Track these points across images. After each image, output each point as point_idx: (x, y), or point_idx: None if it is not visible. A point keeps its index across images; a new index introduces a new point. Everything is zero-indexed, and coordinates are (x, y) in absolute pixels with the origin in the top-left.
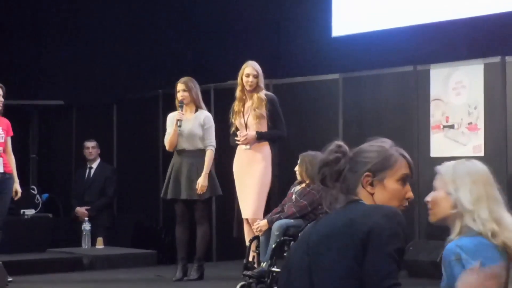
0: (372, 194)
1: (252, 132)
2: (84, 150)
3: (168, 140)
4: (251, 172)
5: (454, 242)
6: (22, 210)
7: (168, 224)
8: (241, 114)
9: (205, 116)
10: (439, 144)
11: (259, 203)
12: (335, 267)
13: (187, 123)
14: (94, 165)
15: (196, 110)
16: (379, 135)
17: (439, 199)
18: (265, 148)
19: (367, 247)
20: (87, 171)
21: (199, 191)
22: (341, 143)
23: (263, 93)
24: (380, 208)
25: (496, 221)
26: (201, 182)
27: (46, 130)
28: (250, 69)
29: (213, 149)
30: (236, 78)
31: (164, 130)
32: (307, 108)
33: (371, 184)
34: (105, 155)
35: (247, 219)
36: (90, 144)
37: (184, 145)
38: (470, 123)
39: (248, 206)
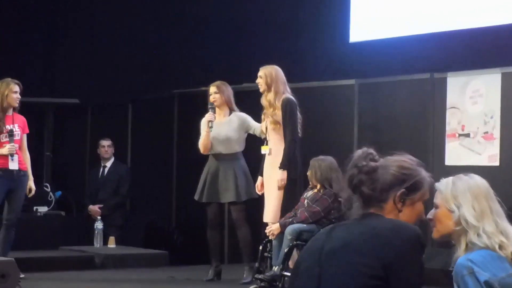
0: (399, 211)
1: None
2: (100, 148)
3: (201, 143)
4: (272, 176)
5: (464, 257)
6: (35, 207)
7: (181, 225)
8: (265, 119)
9: (240, 117)
10: (454, 153)
11: (278, 208)
12: (347, 281)
13: (221, 126)
14: (108, 164)
15: (230, 113)
16: (394, 141)
17: (442, 216)
18: (282, 152)
19: (390, 273)
20: (101, 169)
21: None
22: (372, 150)
23: (273, 96)
24: (403, 228)
25: (503, 233)
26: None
27: (61, 128)
28: (259, 72)
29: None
30: (253, 81)
31: (179, 131)
32: (322, 113)
33: (403, 202)
34: (119, 154)
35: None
36: (106, 143)
37: (220, 148)
38: (486, 132)
39: (267, 211)
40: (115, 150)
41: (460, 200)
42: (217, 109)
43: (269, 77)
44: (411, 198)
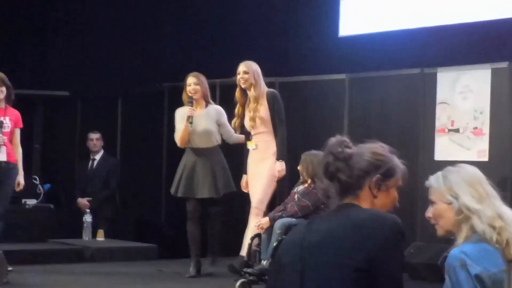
0: (375, 197)
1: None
2: (88, 141)
3: (179, 137)
4: (261, 168)
5: (458, 248)
6: (23, 200)
7: (170, 218)
8: (241, 115)
9: (217, 110)
10: (444, 148)
11: (265, 195)
12: (331, 275)
13: (200, 119)
14: (98, 157)
15: (206, 105)
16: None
17: (442, 211)
18: (272, 146)
19: (373, 264)
20: (90, 162)
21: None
22: (346, 138)
23: (258, 91)
24: (384, 219)
25: (500, 216)
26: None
27: (51, 120)
28: (241, 67)
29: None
30: None
31: (169, 125)
32: (312, 108)
33: (378, 187)
34: (109, 148)
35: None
36: (95, 136)
37: (198, 142)
38: (475, 128)
39: (254, 195)
40: (104, 143)
41: (456, 190)
42: (194, 102)
43: (256, 72)
44: (386, 184)
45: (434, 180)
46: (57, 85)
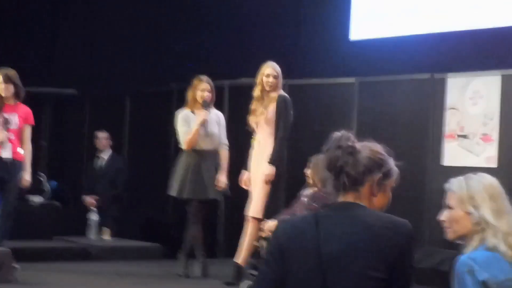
0: (374, 196)
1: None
2: (96, 140)
3: (190, 140)
4: (257, 172)
5: (466, 255)
6: (29, 197)
7: (177, 219)
8: (257, 113)
9: (219, 114)
10: (452, 153)
11: (261, 203)
12: (362, 284)
13: (207, 123)
14: (105, 156)
15: (209, 108)
16: (392, 140)
17: (458, 217)
18: (270, 148)
19: (392, 272)
20: (98, 161)
21: (223, 188)
22: (351, 133)
23: (276, 94)
24: (399, 226)
25: None
26: (224, 180)
27: (58, 118)
28: (270, 70)
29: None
30: (251, 76)
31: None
32: (321, 111)
33: (379, 187)
34: (117, 147)
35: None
36: (102, 135)
37: (204, 145)
38: (484, 134)
39: (254, 205)
40: (112, 142)
41: (478, 201)
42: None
43: (280, 75)
44: (384, 184)
45: (456, 186)
46: (66, 83)
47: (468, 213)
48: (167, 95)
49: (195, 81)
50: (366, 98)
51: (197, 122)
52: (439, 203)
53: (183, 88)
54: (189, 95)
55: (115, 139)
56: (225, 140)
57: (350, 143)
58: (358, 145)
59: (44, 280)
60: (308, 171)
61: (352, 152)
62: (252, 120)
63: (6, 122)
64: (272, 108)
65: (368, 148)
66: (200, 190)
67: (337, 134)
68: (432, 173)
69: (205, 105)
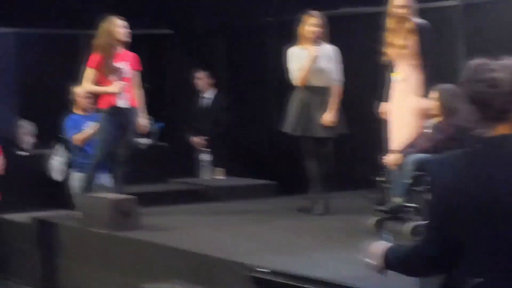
0: None
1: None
2: (196, 80)
3: (301, 76)
4: (405, 104)
5: None
6: (137, 140)
7: (285, 153)
8: (395, 46)
9: (333, 49)
10: None
11: (409, 136)
12: None
13: (317, 58)
14: (207, 95)
15: (319, 44)
16: None
17: None
18: (416, 80)
19: None
20: (201, 100)
21: (332, 125)
22: (486, 59)
23: (411, 24)
24: None
25: None
26: (330, 118)
27: (156, 60)
28: (401, 0)
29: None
30: (348, 6)
31: (277, 60)
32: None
33: None
34: (219, 84)
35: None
36: (201, 75)
37: (315, 81)
38: None
39: (397, 138)
40: (215, 80)
41: None
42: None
43: (409, 4)
44: None
45: None
46: (161, 23)
47: None
48: (263, 28)
49: (305, 17)
50: (472, 21)
51: (307, 58)
52: None
53: (279, 21)
54: (299, 31)
55: (216, 77)
56: (339, 76)
57: (492, 74)
58: (498, 66)
59: (170, 224)
60: (431, 102)
61: (495, 84)
62: (391, 52)
63: (120, 72)
64: (412, 39)
65: (510, 70)
66: (311, 128)
67: (472, 63)
68: None
69: (316, 40)
